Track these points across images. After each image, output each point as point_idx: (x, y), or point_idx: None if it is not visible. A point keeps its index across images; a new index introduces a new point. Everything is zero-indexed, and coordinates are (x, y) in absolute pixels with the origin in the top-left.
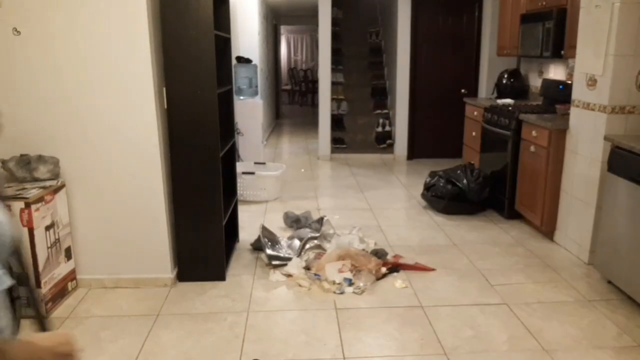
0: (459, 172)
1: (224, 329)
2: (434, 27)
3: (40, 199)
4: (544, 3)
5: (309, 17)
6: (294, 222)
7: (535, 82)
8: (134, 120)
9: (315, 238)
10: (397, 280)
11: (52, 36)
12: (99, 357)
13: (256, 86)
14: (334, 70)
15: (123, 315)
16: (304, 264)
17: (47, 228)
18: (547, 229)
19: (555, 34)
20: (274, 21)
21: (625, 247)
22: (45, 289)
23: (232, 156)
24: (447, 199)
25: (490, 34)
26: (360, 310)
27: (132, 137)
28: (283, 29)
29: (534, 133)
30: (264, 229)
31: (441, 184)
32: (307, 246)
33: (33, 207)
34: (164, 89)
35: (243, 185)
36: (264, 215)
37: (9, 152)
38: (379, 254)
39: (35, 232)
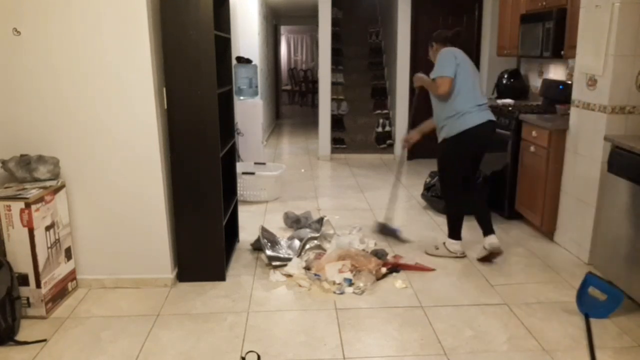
0: None
1: (224, 329)
2: (434, 27)
3: (40, 199)
4: (544, 3)
5: (309, 17)
6: (294, 222)
7: (535, 82)
8: (134, 121)
9: (315, 238)
10: (397, 281)
11: (51, 36)
12: (99, 357)
13: (256, 86)
14: (334, 70)
15: (123, 316)
16: (304, 264)
17: (47, 228)
18: (547, 229)
19: (555, 34)
20: (274, 21)
21: (625, 247)
22: (45, 289)
23: (232, 156)
24: None
25: (490, 34)
26: (361, 310)
27: (132, 137)
28: (283, 29)
29: (534, 133)
30: (264, 229)
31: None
32: (307, 246)
33: (33, 207)
34: (164, 89)
35: (243, 186)
36: (264, 216)
37: (9, 152)
38: (379, 254)
39: (36, 233)
